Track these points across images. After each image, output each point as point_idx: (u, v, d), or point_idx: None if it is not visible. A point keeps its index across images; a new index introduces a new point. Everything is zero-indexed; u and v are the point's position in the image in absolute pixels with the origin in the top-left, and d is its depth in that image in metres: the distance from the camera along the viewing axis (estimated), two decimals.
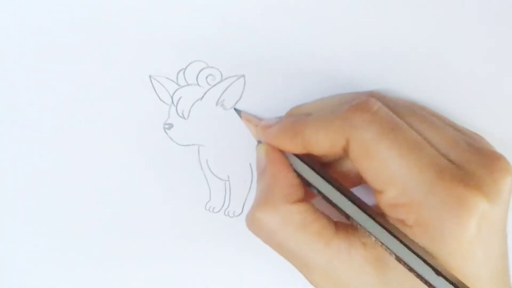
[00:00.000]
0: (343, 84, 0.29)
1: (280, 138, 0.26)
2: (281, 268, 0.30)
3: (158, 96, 0.29)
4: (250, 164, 0.30)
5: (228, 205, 0.30)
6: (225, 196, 0.30)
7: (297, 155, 0.26)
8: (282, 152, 0.26)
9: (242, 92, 0.29)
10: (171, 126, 0.29)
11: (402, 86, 0.29)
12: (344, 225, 0.25)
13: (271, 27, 0.28)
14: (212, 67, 0.28)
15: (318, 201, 0.25)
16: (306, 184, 0.25)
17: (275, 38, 0.28)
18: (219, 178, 0.30)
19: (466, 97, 0.29)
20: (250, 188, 0.30)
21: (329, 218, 0.25)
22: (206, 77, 0.29)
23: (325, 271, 0.24)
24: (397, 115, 0.24)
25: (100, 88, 0.29)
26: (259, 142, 0.28)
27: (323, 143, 0.24)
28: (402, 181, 0.22)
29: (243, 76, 0.29)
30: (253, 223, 0.25)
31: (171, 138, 0.29)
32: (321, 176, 0.25)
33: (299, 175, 0.26)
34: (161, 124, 0.29)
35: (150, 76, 0.29)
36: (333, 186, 0.24)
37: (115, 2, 0.28)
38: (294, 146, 0.25)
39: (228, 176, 0.30)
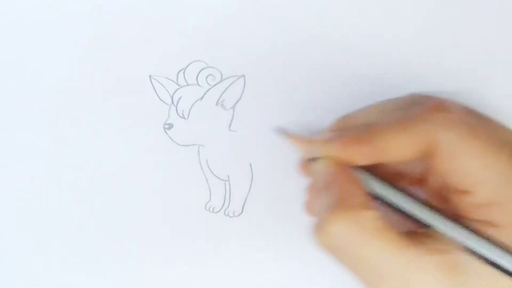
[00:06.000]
0: (343, 84, 0.29)
1: (352, 148, 0.24)
2: (280, 268, 0.30)
3: (158, 96, 0.29)
4: (250, 164, 0.30)
5: (228, 205, 0.30)
6: (225, 196, 0.30)
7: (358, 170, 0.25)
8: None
9: (242, 92, 0.29)
10: (171, 126, 0.29)
11: (401, 89, 0.29)
12: (416, 233, 0.24)
13: (271, 27, 0.28)
14: (212, 67, 0.28)
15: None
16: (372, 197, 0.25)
17: (275, 38, 0.28)
18: (219, 178, 0.30)
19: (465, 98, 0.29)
20: (250, 188, 0.30)
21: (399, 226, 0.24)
22: (206, 77, 0.29)
23: (398, 279, 0.23)
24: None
25: (100, 88, 0.29)
26: (309, 160, 0.26)
27: (401, 148, 0.23)
28: (495, 179, 0.22)
29: (243, 76, 0.29)
30: (325, 233, 0.23)
31: (171, 138, 0.29)
32: (391, 186, 0.24)
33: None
34: (161, 124, 0.29)
35: (150, 76, 0.29)
36: (406, 195, 0.24)
37: (115, 2, 0.28)
38: (366, 155, 0.24)
39: (228, 176, 0.30)
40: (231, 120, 0.29)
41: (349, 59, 0.28)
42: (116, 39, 0.28)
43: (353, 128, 0.25)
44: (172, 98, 0.29)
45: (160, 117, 0.29)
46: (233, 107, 0.29)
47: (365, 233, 0.22)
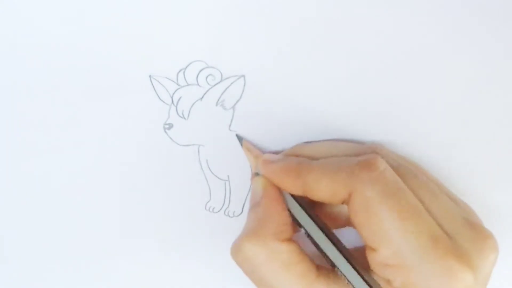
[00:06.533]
0: (344, 83, 0.29)
1: (281, 177, 0.26)
2: None
3: (158, 96, 0.29)
4: (250, 164, 0.30)
5: (228, 205, 0.30)
6: (225, 196, 0.30)
7: (292, 195, 0.26)
8: (279, 189, 0.27)
9: (242, 92, 0.29)
10: (171, 126, 0.29)
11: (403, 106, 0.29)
12: (326, 270, 0.25)
13: (271, 27, 0.28)
14: (212, 67, 0.28)
15: (304, 240, 0.26)
16: (297, 224, 0.26)
17: (275, 38, 0.28)
18: (219, 178, 0.30)
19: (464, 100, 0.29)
20: (250, 188, 0.30)
21: (312, 261, 0.25)
22: (206, 77, 0.29)
23: None
24: (400, 176, 0.25)
25: (100, 88, 0.29)
26: (256, 174, 0.28)
27: (324, 191, 0.25)
28: (397, 244, 0.23)
29: (243, 76, 0.29)
30: (238, 253, 0.25)
31: (171, 138, 0.29)
32: (314, 221, 0.25)
33: (291, 214, 0.26)
34: (161, 124, 0.29)
35: (150, 76, 0.28)
36: (324, 233, 0.25)
37: (115, 2, 0.28)
38: (294, 187, 0.26)
39: (228, 176, 0.30)
40: (231, 120, 0.29)
41: (350, 60, 0.28)
42: (116, 39, 0.28)
43: (294, 158, 0.27)
44: (172, 98, 0.29)
45: (160, 117, 0.29)
46: (233, 107, 0.29)
47: (273, 263, 0.24)
